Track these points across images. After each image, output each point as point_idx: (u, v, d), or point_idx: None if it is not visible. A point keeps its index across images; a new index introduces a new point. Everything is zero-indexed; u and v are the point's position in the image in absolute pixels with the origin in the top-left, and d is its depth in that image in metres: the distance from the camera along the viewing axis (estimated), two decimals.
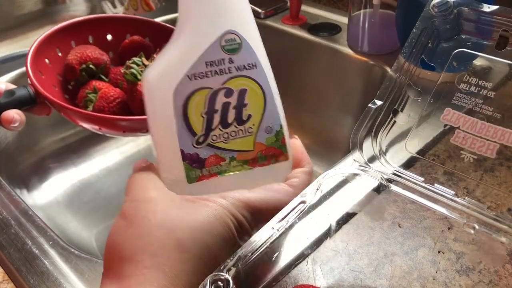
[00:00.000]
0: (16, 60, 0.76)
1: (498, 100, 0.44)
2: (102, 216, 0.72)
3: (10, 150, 0.71)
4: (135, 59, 0.48)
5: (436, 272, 0.40)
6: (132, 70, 0.47)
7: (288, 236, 0.40)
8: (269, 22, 0.84)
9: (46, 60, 0.51)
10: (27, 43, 0.97)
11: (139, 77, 0.47)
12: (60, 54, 0.52)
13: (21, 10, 0.95)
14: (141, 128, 0.46)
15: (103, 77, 0.52)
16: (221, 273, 0.35)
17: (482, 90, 0.44)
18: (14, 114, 0.46)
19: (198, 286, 0.31)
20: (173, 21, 0.87)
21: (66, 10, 1.03)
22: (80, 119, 0.46)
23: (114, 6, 1.03)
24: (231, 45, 0.36)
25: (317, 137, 0.82)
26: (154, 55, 0.50)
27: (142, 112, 0.42)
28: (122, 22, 0.55)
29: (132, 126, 0.46)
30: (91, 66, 0.51)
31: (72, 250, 0.44)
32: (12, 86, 0.49)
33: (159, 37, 0.53)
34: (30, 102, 0.48)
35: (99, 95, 0.48)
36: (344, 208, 0.44)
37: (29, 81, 0.47)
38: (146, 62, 0.48)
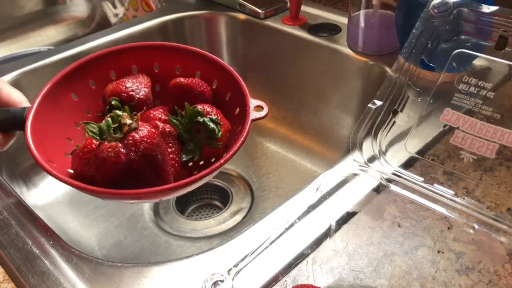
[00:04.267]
0: (16, 60, 0.76)
1: (498, 101, 0.44)
2: (102, 216, 0.72)
3: (11, 150, 0.71)
4: (117, 111, 0.39)
5: (436, 271, 0.40)
6: (101, 124, 0.38)
7: (288, 236, 0.40)
8: (269, 22, 0.84)
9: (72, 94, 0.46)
10: (27, 43, 0.98)
11: (106, 135, 0.38)
12: (94, 87, 0.47)
13: (22, 10, 0.95)
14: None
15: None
16: (221, 273, 0.35)
17: (482, 90, 0.44)
18: (1, 137, 0.43)
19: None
20: (173, 21, 0.88)
21: (66, 10, 1.03)
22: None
23: (115, 7, 1.03)
24: None
25: (317, 137, 0.82)
26: (138, 114, 0.39)
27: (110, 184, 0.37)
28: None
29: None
30: (113, 102, 0.44)
31: (73, 250, 0.44)
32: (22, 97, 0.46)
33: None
34: (23, 127, 0.42)
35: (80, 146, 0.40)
36: (344, 208, 0.44)
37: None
38: (124, 120, 0.37)
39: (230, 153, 0.41)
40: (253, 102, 0.45)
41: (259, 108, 0.45)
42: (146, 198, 0.41)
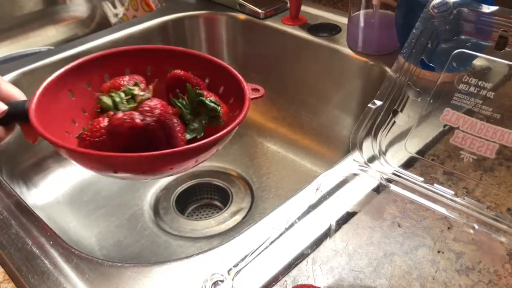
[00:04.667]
0: (16, 60, 0.76)
1: (498, 101, 0.44)
2: (102, 215, 0.72)
3: (11, 150, 0.71)
4: (128, 86, 0.43)
5: (436, 271, 0.40)
6: (113, 97, 0.41)
7: (288, 236, 0.40)
8: (269, 22, 0.84)
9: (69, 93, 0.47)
10: (27, 43, 0.98)
11: (119, 106, 0.41)
12: (89, 88, 0.48)
13: (22, 10, 0.95)
14: (137, 168, 0.41)
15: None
16: (221, 273, 0.35)
17: (482, 90, 0.44)
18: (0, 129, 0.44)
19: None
20: (173, 21, 0.88)
21: (66, 10, 1.03)
22: (73, 157, 0.41)
23: (115, 7, 1.03)
24: None
25: (317, 137, 0.82)
26: (150, 86, 0.44)
27: (130, 149, 0.38)
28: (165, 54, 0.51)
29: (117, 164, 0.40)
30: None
31: (73, 250, 0.44)
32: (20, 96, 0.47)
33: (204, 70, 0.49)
34: (24, 118, 0.43)
35: (90, 126, 0.42)
36: (344, 208, 0.44)
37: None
38: (137, 91, 0.42)
39: (238, 119, 0.42)
40: (248, 85, 0.47)
41: (255, 90, 0.47)
42: (161, 165, 0.41)
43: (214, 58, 0.50)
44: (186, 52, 0.51)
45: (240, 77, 0.48)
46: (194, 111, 0.46)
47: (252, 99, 0.46)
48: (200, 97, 0.45)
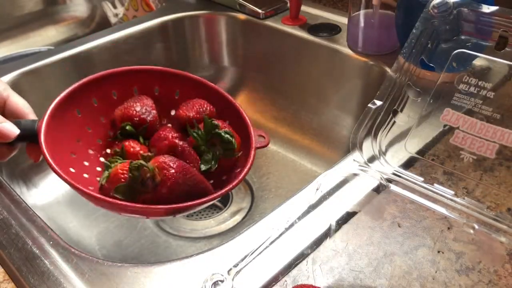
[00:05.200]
0: (16, 60, 0.76)
1: (498, 101, 0.44)
2: (102, 216, 0.72)
3: None
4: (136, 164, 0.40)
5: (436, 271, 0.40)
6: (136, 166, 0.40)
7: (288, 236, 0.40)
8: (269, 22, 0.84)
9: (77, 111, 0.47)
10: (27, 43, 0.98)
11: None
12: (96, 105, 0.48)
13: (22, 10, 0.95)
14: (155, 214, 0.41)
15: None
16: (221, 273, 0.35)
17: (482, 90, 0.45)
18: (5, 149, 0.45)
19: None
20: (173, 21, 0.88)
21: (66, 10, 1.03)
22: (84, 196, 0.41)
23: (115, 7, 1.03)
24: None
25: (317, 137, 0.82)
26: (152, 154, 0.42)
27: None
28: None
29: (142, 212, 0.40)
30: (127, 127, 0.46)
31: (73, 250, 0.44)
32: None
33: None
34: (31, 139, 0.44)
35: (111, 172, 0.41)
36: (344, 208, 0.44)
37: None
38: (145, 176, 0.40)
39: (243, 172, 0.44)
40: (255, 131, 0.48)
41: (260, 137, 0.48)
42: (168, 214, 0.42)
43: (224, 93, 0.50)
44: (195, 79, 0.50)
45: (248, 120, 0.48)
46: (208, 142, 0.46)
47: (257, 148, 0.46)
48: (216, 129, 0.45)
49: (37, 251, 0.44)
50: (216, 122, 0.45)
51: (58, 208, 0.72)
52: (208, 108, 0.48)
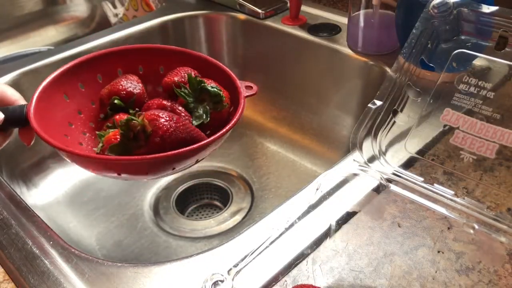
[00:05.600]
0: (16, 60, 0.76)
1: (498, 101, 0.44)
2: (102, 216, 0.72)
3: (11, 150, 0.71)
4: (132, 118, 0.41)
5: (436, 271, 0.40)
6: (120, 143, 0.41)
7: (288, 236, 0.40)
8: (269, 22, 0.84)
9: (64, 96, 0.47)
10: (27, 43, 0.98)
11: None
12: (83, 89, 0.48)
13: (21, 10, 0.95)
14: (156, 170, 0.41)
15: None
16: (221, 273, 0.35)
17: (482, 90, 0.45)
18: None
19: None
20: (173, 21, 0.88)
21: (66, 10, 1.03)
22: (75, 161, 0.41)
23: (115, 7, 1.03)
24: None
25: (317, 137, 0.82)
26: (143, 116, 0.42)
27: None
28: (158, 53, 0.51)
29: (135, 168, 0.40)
30: (116, 101, 0.46)
31: (73, 250, 0.44)
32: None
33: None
34: (22, 123, 0.43)
35: (104, 140, 0.42)
36: (344, 208, 0.44)
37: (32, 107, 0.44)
38: (135, 128, 0.40)
39: (235, 117, 0.43)
40: (241, 83, 0.48)
41: (248, 88, 0.48)
42: (164, 165, 0.42)
43: (205, 56, 0.50)
44: (176, 50, 0.51)
45: (233, 74, 0.48)
46: (197, 99, 0.46)
47: (246, 97, 0.46)
48: (202, 84, 0.45)
49: (37, 251, 0.44)
50: (201, 78, 0.46)
51: (58, 208, 0.72)
52: (192, 72, 0.48)
